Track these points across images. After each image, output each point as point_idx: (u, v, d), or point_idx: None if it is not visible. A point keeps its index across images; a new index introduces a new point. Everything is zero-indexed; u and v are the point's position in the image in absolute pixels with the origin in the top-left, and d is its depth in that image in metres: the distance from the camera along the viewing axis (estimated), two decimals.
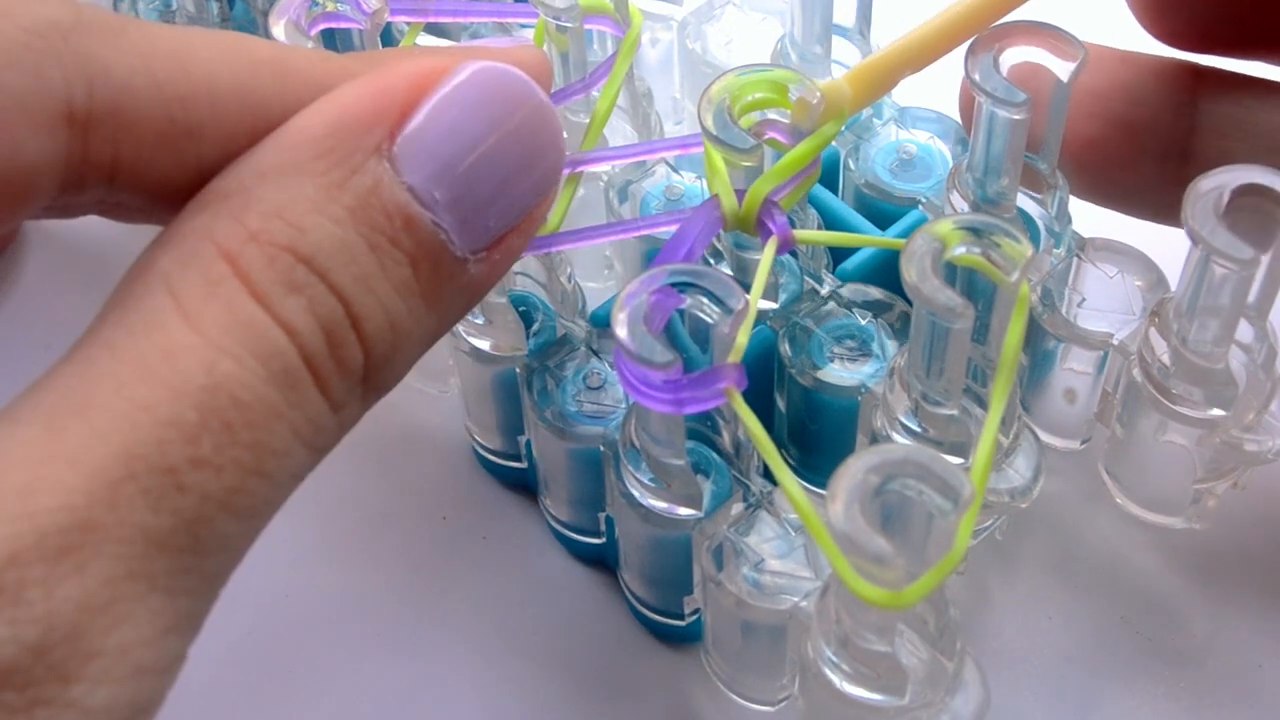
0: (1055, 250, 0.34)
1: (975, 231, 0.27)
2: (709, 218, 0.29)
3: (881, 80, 0.32)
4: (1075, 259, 0.34)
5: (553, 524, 0.36)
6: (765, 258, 0.29)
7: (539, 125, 0.24)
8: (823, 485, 0.35)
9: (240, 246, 0.21)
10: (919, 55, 0.32)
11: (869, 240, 0.30)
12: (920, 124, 0.37)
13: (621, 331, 0.26)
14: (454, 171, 0.23)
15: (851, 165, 0.36)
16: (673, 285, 0.27)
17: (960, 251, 0.27)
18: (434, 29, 0.42)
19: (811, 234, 0.31)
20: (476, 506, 0.37)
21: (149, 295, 0.21)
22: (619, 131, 0.37)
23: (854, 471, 0.24)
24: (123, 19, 0.23)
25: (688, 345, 0.30)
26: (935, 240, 0.27)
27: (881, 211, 0.36)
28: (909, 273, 0.27)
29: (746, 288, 0.33)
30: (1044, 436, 0.35)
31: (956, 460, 0.29)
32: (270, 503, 0.22)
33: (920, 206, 0.35)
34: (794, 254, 0.34)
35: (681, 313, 0.28)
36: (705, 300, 0.27)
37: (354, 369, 0.22)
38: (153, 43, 0.23)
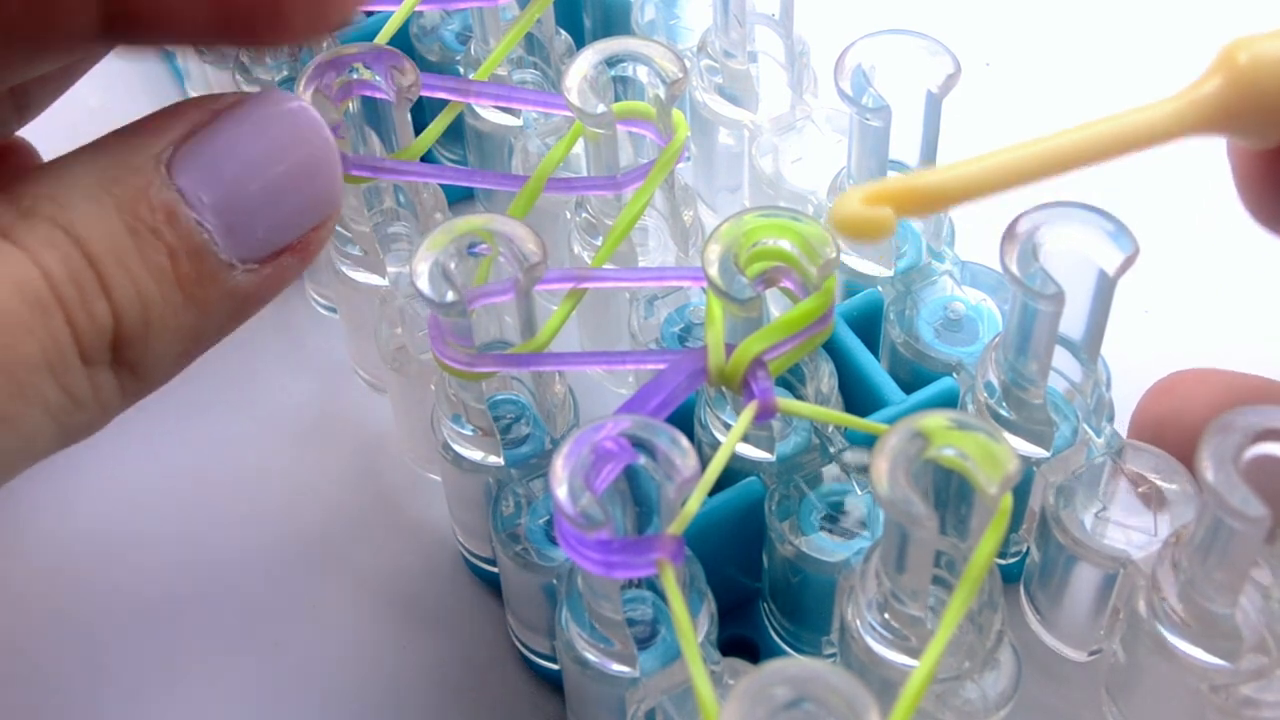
0: (1095, 440, 0.31)
1: (964, 430, 0.25)
2: (692, 369, 0.28)
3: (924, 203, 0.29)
4: (1110, 461, 0.31)
5: (514, 638, 0.34)
6: (739, 424, 0.27)
7: (314, 151, 0.26)
8: (800, 647, 0.33)
9: (11, 220, 0.24)
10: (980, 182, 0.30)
11: (851, 421, 0.28)
12: (977, 282, 0.34)
13: (560, 489, 0.25)
14: (221, 178, 0.25)
15: (892, 316, 0.34)
16: (627, 438, 0.25)
17: (945, 452, 0.25)
18: None
19: (793, 404, 0.28)
20: (452, 606, 0.36)
21: None
22: (661, 243, 0.35)
23: (760, 683, 0.22)
24: None
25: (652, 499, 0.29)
26: (918, 436, 0.25)
27: (916, 372, 0.33)
28: (877, 468, 0.25)
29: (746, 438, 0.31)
30: (1051, 641, 0.33)
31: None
32: (23, 423, 0.23)
33: (955, 376, 0.33)
34: None
35: None
36: (653, 462, 0.25)
37: (103, 326, 0.24)
38: None
